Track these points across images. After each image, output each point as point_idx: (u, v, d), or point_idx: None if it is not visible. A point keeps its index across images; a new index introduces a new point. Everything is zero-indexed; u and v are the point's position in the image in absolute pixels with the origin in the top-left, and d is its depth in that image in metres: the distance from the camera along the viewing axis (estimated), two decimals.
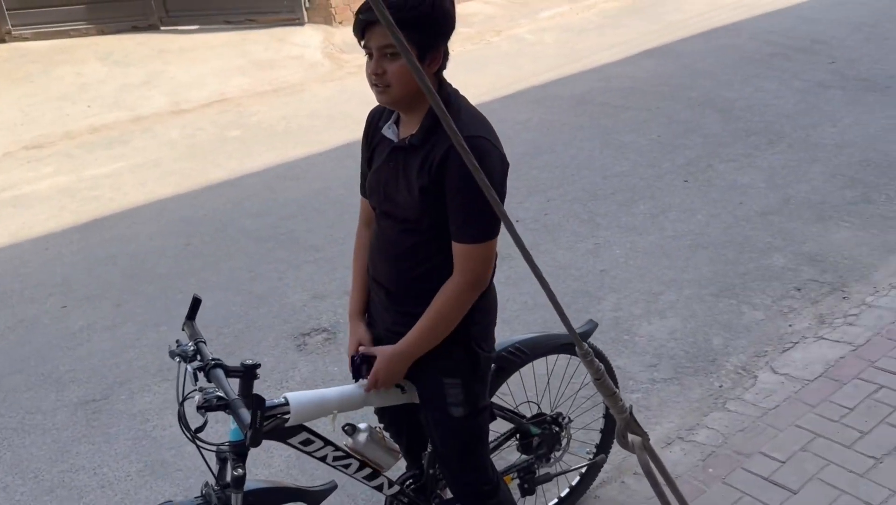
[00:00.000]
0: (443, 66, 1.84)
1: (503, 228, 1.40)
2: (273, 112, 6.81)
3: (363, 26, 1.74)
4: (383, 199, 1.94)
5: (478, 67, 7.54)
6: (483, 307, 2.01)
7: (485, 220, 1.81)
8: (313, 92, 7.27)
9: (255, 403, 1.70)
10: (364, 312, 2.13)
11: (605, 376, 1.20)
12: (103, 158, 6.16)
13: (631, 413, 1.23)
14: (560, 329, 2.30)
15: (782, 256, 4.14)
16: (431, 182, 1.81)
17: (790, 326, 3.61)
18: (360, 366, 2.05)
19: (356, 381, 2.08)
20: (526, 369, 2.44)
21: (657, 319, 3.71)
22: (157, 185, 5.59)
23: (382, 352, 1.97)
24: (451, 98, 1.85)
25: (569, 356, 2.53)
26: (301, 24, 8.63)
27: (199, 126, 6.65)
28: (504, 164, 1.85)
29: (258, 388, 1.88)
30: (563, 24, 9.03)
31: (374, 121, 2.02)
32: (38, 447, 3.21)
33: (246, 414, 1.75)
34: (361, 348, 2.06)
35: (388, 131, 1.92)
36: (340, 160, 5.67)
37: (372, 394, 2.11)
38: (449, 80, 1.91)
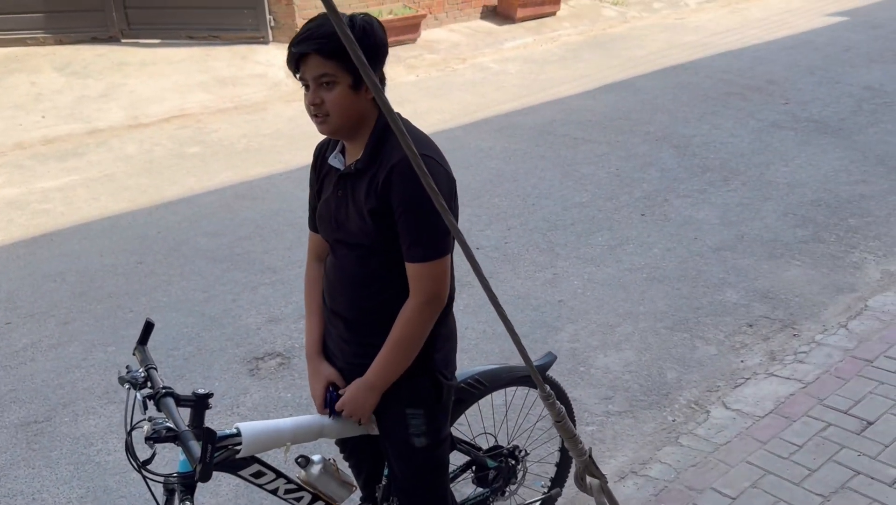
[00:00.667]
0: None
1: (459, 249, 1.39)
2: (234, 129, 6.74)
3: (297, 59, 1.76)
4: (335, 228, 1.93)
5: (442, 94, 7.59)
6: (444, 334, 2.00)
7: (435, 238, 1.81)
8: (276, 111, 7.22)
9: (206, 436, 1.65)
10: (322, 349, 2.09)
11: (565, 419, 1.20)
12: (56, 171, 6.01)
13: (590, 455, 1.22)
14: (519, 360, 2.29)
15: (735, 292, 4.21)
16: (379, 204, 1.81)
17: (742, 361, 3.67)
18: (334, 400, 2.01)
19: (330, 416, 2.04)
20: (484, 400, 2.43)
21: (613, 352, 3.74)
22: (111, 200, 5.47)
23: (350, 386, 1.95)
24: None
25: (527, 388, 2.53)
26: (266, 42, 8.58)
27: (157, 141, 6.54)
28: (451, 182, 1.86)
29: (208, 412, 1.84)
30: (526, 56, 9.15)
31: (322, 152, 2.02)
32: None
33: (196, 447, 1.70)
34: (342, 393, 2.01)
35: (335, 160, 1.93)
36: (301, 181, 5.61)
37: (328, 425, 2.07)
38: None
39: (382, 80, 1.84)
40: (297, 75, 1.79)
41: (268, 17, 8.55)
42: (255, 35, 8.62)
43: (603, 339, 3.83)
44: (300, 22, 8.53)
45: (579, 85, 7.90)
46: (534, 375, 1.13)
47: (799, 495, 2.77)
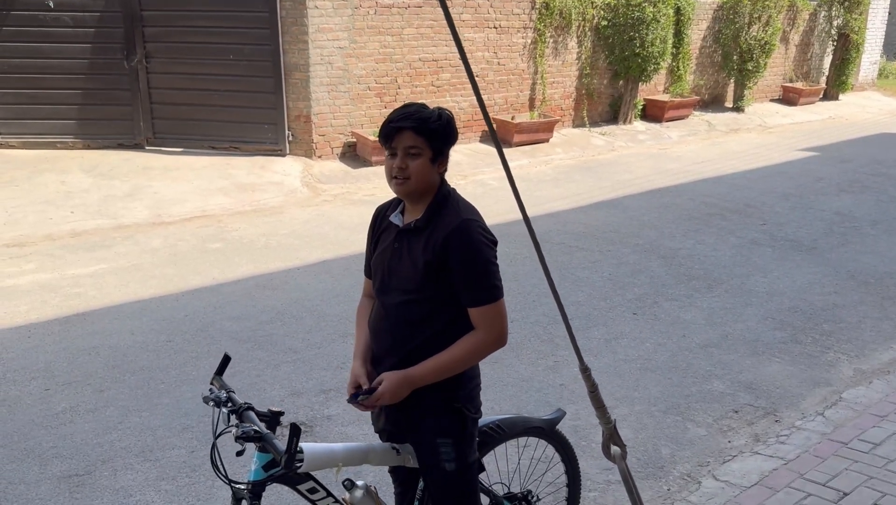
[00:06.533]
0: (445, 168, 2.36)
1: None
2: (253, 229, 7.22)
3: (394, 131, 2.25)
4: (387, 274, 2.36)
5: None
6: (469, 374, 2.40)
7: (493, 282, 2.25)
8: (292, 214, 7.74)
9: (292, 430, 2.02)
10: (365, 355, 2.43)
11: (597, 390, 1.56)
12: (85, 260, 6.40)
13: (615, 425, 1.58)
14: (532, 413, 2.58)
15: (721, 383, 4.58)
16: (434, 258, 2.26)
17: (729, 441, 4.00)
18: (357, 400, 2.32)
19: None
20: (500, 452, 2.77)
21: None
22: (139, 286, 5.85)
23: (389, 375, 2.28)
24: (451, 192, 2.37)
25: (536, 439, 2.88)
26: (283, 155, 9.22)
27: (181, 237, 6.99)
28: (490, 237, 2.31)
29: None
30: (522, 175, 9.84)
31: (382, 212, 2.51)
32: None
33: (280, 444, 2.06)
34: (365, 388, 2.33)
35: (395, 218, 2.40)
36: (317, 274, 6.05)
37: (373, 452, 2.42)
38: None
39: (447, 157, 2.33)
40: (387, 144, 2.28)
41: (287, 132, 9.23)
42: (273, 148, 9.27)
43: None
44: (317, 138, 9.22)
45: (572, 202, 8.52)
46: (575, 349, 1.51)
47: None
